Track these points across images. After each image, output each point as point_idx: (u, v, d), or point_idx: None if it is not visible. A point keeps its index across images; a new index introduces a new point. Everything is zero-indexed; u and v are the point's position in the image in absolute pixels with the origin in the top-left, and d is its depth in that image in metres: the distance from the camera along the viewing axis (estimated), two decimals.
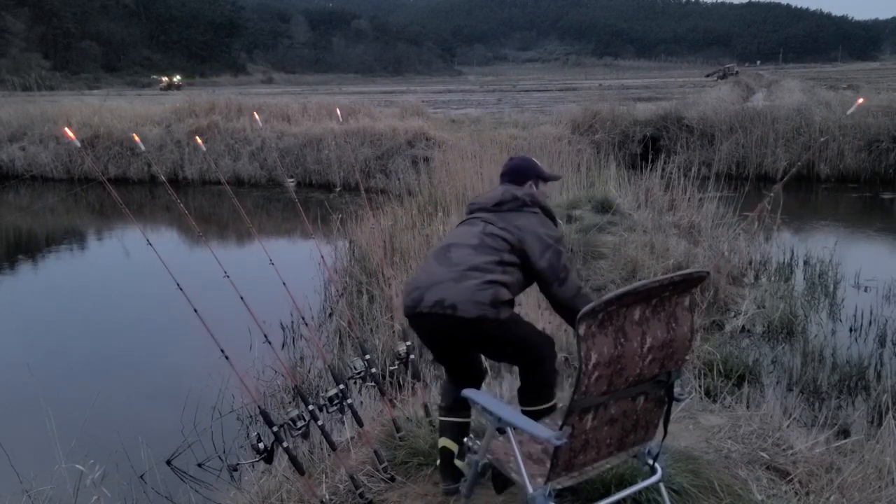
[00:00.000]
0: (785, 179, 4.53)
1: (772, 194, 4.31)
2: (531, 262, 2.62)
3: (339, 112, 16.52)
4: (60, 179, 16.37)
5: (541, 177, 2.93)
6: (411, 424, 3.23)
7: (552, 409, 2.66)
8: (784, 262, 7.67)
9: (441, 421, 2.77)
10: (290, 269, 3.58)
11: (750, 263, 7.21)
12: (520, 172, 2.92)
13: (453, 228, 2.91)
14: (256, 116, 14.64)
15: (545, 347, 2.67)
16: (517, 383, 2.80)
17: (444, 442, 2.71)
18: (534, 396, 2.66)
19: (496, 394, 3.70)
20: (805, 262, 7.72)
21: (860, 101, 4.60)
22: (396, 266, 6.55)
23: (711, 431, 3.32)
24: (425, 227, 7.61)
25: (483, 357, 2.86)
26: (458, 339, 2.58)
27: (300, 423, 2.75)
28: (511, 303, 2.63)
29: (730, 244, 7.46)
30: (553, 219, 2.83)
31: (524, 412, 2.60)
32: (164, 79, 67.16)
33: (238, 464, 3.73)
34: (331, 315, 6.47)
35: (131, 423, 4.59)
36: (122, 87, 66.44)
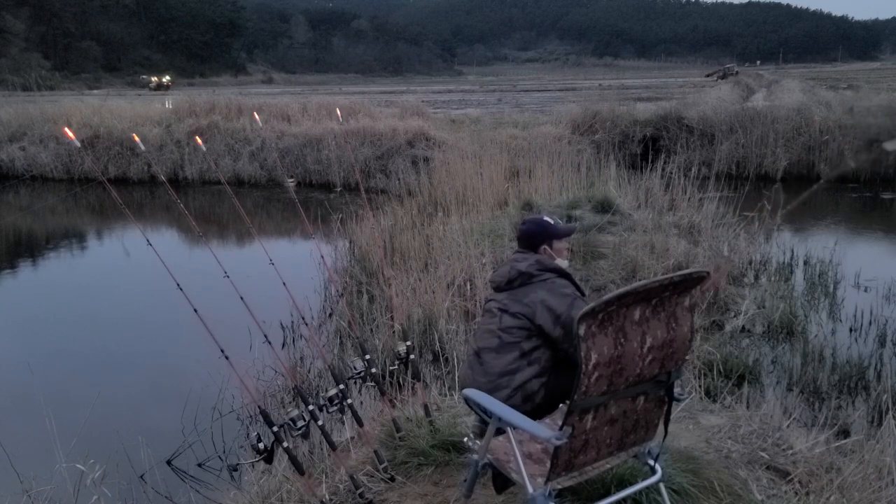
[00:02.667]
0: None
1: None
2: (547, 334, 2.63)
3: (339, 112, 16.52)
4: (60, 179, 16.36)
5: (554, 236, 2.87)
6: (411, 424, 3.23)
7: None
8: (784, 262, 7.67)
9: None
10: (290, 269, 3.57)
11: (750, 263, 7.21)
12: (531, 238, 2.87)
13: (486, 311, 2.87)
14: (256, 116, 14.65)
15: None
16: None
17: None
18: None
19: None
20: (805, 262, 7.72)
21: None
22: (396, 266, 6.55)
23: (711, 431, 3.32)
24: (425, 227, 7.62)
25: None
26: None
27: (300, 423, 2.74)
28: (538, 393, 2.64)
29: (730, 244, 7.46)
30: (568, 277, 2.78)
31: None
32: (154, 79, 67.49)
33: (238, 464, 3.73)
34: (331, 315, 6.47)
35: (131, 423, 4.59)
36: (122, 87, 66.46)
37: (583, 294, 2.79)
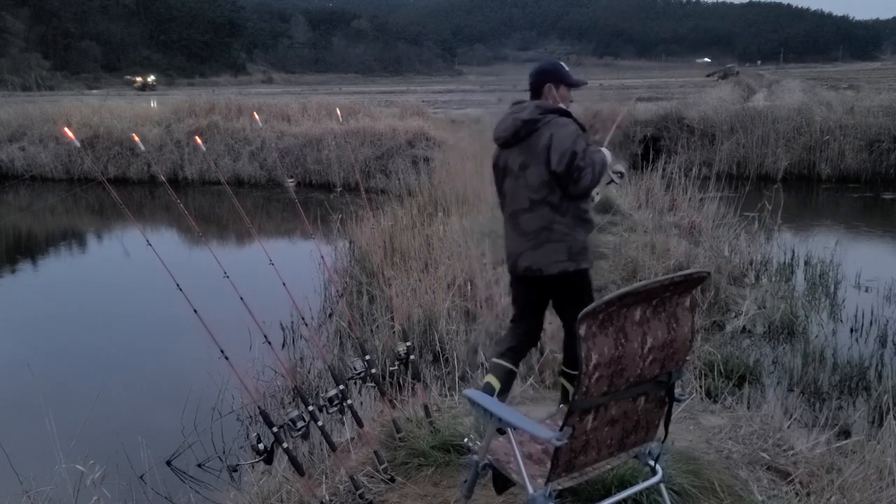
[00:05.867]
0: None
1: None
2: (554, 171, 2.77)
3: (339, 112, 16.51)
4: (60, 180, 16.36)
5: (563, 80, 2.95)
6: (411, 425, 3.22)
7: None
8: (785, 263, 7.66)
9: (492, 362, 3.09)
10: (290, 269, 3.56)
11: (751, 264, 7.20)
12: (540, 75, 2.96)
13: (506, 172, 2.96)
14: (256, 116, 14.65)
15: None
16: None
17: (489, 378, 3.04)
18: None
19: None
20: (806, 263, 7.71)
21: None
22: (396, 266, 6.54)
23: (712, 432, 3.31)
24: (425, 228, 7.60)
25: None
26: (546, 294, 3.02)
27: (300, 424, 2.74)
28: (585, 251, 2.85)
29: (730, 244, 7.45)
30: (568, 114, 2.86)
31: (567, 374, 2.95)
32: (138, 79, 67.61)
33: (238, 464, 3.72)
34: (331, 315, 6.46)
35: (131, 423, 4.58)
36: (122, 86, 66.48)
37: (583, 129, 2.88)
